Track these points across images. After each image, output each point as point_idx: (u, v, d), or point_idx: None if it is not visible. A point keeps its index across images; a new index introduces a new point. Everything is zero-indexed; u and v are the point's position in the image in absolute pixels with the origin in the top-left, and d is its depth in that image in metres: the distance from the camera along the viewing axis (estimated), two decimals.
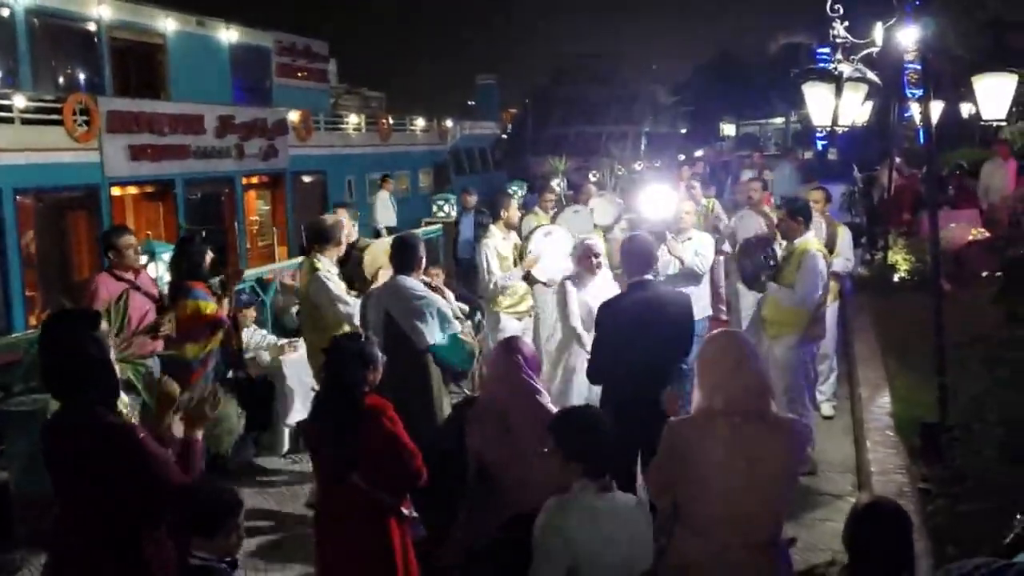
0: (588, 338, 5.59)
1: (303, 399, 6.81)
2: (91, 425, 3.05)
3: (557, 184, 16.41)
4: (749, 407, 3.03)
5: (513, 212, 7.66)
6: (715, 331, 3.40)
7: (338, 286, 5.82)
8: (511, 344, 4.02)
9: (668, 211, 7.44)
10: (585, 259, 6.04)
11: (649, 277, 4.94)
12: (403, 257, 5.25)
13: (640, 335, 4.54)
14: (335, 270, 5.99)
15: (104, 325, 3.28)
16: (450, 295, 5.66)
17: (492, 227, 7.70)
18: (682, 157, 31.92)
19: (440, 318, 5.11)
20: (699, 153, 36.30)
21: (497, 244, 7.32)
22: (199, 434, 3.28)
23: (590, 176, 24.67)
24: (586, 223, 8.19)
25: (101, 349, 3.11)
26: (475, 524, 3.73)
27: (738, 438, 2.98)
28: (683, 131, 59.12)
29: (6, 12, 13.38)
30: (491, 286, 7.18)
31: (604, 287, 6.00)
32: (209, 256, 6.38)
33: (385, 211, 17.36)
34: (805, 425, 3.43)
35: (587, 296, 5.87)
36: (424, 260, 5.37)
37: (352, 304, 5.69)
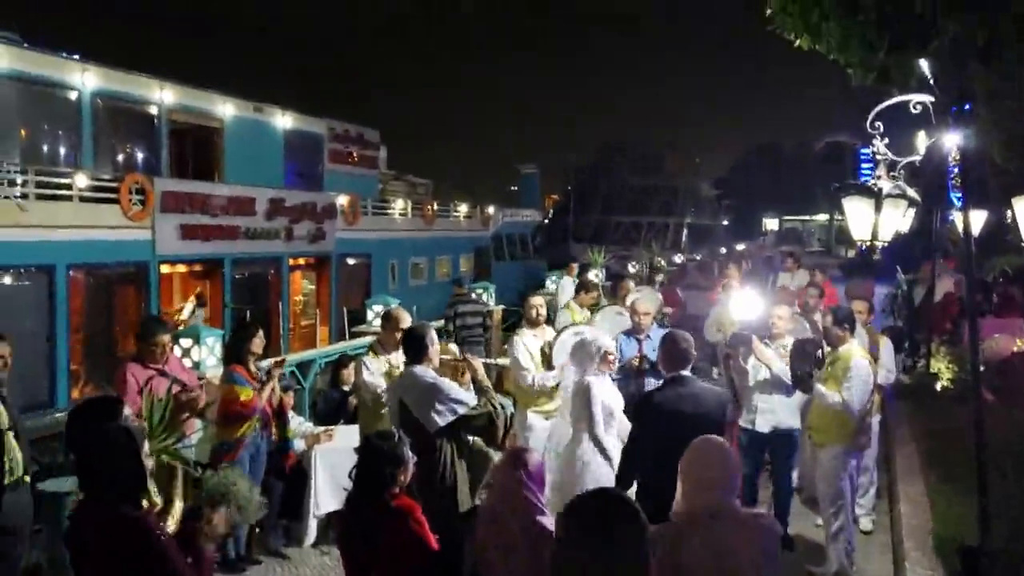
0: (607, 440, 5.60)
1: (335, 489, 6.81)
2: (111, 519, 3.08)
3: (596, 275, 16.48)
4: (721, 506, 3.25)
5: (542, 311, 7.60)
6: (698, 439, 3.52)
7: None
8: (516, 458, 3.87)
9: (756, 313, 7.34)
10: (602, 357, 5.93)
11: (686, 373, 4.99)
12: (412, 347, 5.31)
13: (678, 430, 4.54)
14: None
15: (127, 411, 3.35)
16: (478, 364, 5.56)
17: (524, 325, 7.69)
18: (724, 250, 31.95)
19: (451, 400, 5.08)
20: (741, 247, 36.29)
21: (527, 341, 7.30)
22: (211, 547, 3.31)
23: (629, 267, 24.79)
24: (625, 325, 8.14)
25: (124, 438, 3.17)
26: None
27: (709, 536, 3.19)
28: (724, 223, 59.29)
29: (74, 95, 14.07)
30: (527, 383, 7.15)
31: (612, 387, 5.98)
32: (260, 340, 6.53)
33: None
34: (774, 521, 3.54)
35: (605, 395, 5.85)
36: (433, 347, 5.38)
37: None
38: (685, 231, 51.69)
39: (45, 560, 5.42)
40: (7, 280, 12.10)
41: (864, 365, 6.11)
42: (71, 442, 3.33)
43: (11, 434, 5.31)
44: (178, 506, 3.54)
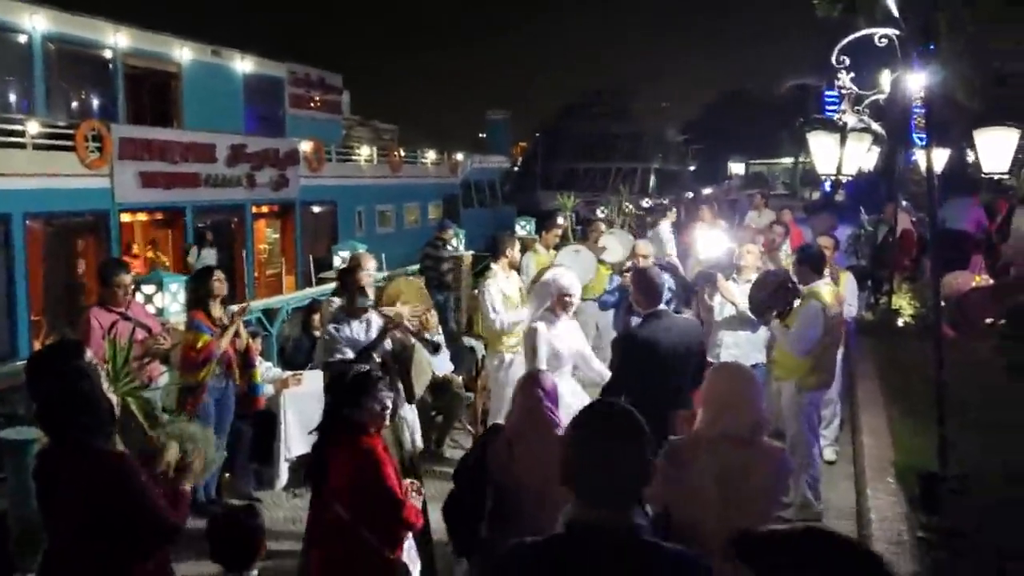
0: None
1: (304, 432, 6.81)
2: (81, 455, 3.07)
3: (564, 219, 16.47)
4: (742, 435, 3.35)
5: (515, 252, 7.66)
6: (722, 362, 3.70)
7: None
8: (534, 379, 4.15)
9: (721, 251, 7.41)
10: (558, 298, 5.94)
11: (663, 307, 5.08)
12: None
13: (657, 362, 4.83)
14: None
15: (88, 354, 3.31)
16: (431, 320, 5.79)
17: (494, 266, 7.69)
18: (690, 194, 32.04)
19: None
20: (707, 191, 36.43)
21: (501, 285, 7.30)
22: (188, 484, 3.31)
23: (598, 212, 24.79)
24: (588, 264, 8.17)
25: (85, 377, 3.15)
26: (495, 546, 3.77)
27: (727, 461, 3.29)
28: (692, 168, 59.42)
29: (23, 38, 13.61)
30: (497, 325, 7.16)
31: (570, 328, 5.97)
32: (220, 283, 6.46)
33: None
34: (787, 454, 3.69)
35: (555, 337, 5.85)
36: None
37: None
38: (653, 176, 51.68)
39: (9, 506, 5.37)
40: None
41: (814, 308, 6.08)
42: (32, 387, 3.29)
43: None
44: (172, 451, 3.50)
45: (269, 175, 18.04)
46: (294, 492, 6.79)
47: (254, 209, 18.08)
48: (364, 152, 23.41)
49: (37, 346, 11.94)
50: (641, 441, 2.33)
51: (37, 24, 13.66)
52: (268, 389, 7.17)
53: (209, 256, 15.41)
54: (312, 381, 7.02)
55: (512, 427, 4.07)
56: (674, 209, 13.86)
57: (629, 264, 8.56)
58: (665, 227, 12.20)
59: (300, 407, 6.87)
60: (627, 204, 22.96)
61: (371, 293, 6.10)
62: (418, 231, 23.64)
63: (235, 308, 6.79)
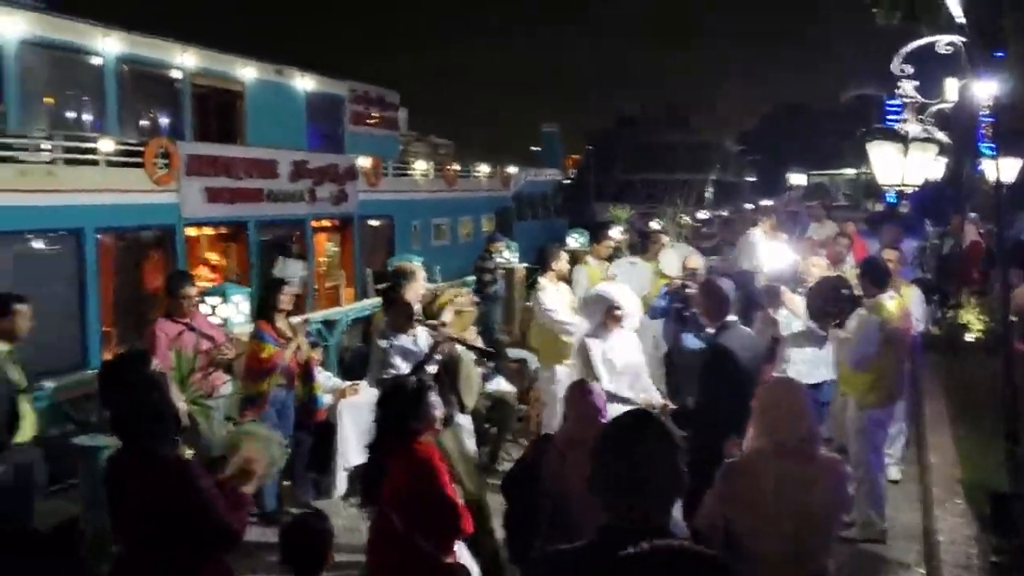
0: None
1: (361, 442, 6.91)
2: (148, 461, 3.16)
3: (621, 232, 16.41)
4: (796, 447, 3.35)
5: (562, 264, 7.69)
6: (773, 378, 3.68)
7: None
8: (586, 388, 4.19)
9: (784, 264, 7.31)
10: (607, 311, 5.93)
11: (732, 318, 5.04)
12: None
13: (732, 375, 4.76)
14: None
15: (154, 363, 3.40)
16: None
17: (542, 280, 7.71)
18: (750, 206, 31.61)
19: None
20: (767, 203, 35.91)
21: (552, 297, 7.31)
22: (249, 488, 3.38)
23: (653, 224, 24.65)
24: (644, 277, 8.14)
25: (153, 386, 3.24)
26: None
27: (786, 477, 3.29)
28: (750, 180, 58.71)
29: (97, 60, 14.10)
30: (559, 319, 7.13)
31: (625, 341, 5.94)
32: (286, 296, 6.61)
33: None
34: (849, 472, 3.64)
35: (608, 350, 5.82)
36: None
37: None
38: (710, 188, 51.17)
39: (83, 510, 5.55)
40: (39, 244, 12.24)
41: (871, 323, 5.96)
42: (104, 394, 3.39)
43: (26, 396, 5.42)
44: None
45: (329, 190, 18.36)
46: (351, 501, 6.86)
47: (314, 223, 18.39)
48: (420, 167, 23.68)
49: (107, 356, 12.32)
50: (670, 450, 2.33)
51: (110, 46, 14.14)
52: (327, 400, 7.29)
53: (295, 267, 15.92)
54: (369, 390, 7.13)
55: (564, 436, 4.09)
56: (773, 215, 13.37)
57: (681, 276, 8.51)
58: (756, 234, 11.68)
59: (357, 416, 6.95)
60: (683, 216, 22.73)
61: (417, 306, 6.22)
62: (472, 244, 23.76)
63: (297, 320, 6.94)
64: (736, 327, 5.12)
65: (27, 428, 5.37)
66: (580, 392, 4.16)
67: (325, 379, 7.67)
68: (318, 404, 7.09)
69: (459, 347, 5.86)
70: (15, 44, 12.54)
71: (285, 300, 6.63)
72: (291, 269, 15.86)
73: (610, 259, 9.98)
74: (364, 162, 19.90)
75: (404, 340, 5.88)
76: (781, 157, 61.59)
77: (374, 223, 20.71)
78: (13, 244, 11.65)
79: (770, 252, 7.73)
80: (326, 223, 19.16)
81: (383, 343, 5.83)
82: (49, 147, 12.26)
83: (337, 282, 19.10)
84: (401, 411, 3.78)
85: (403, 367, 5.65)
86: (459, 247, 23.33)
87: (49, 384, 6.33)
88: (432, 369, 5.56)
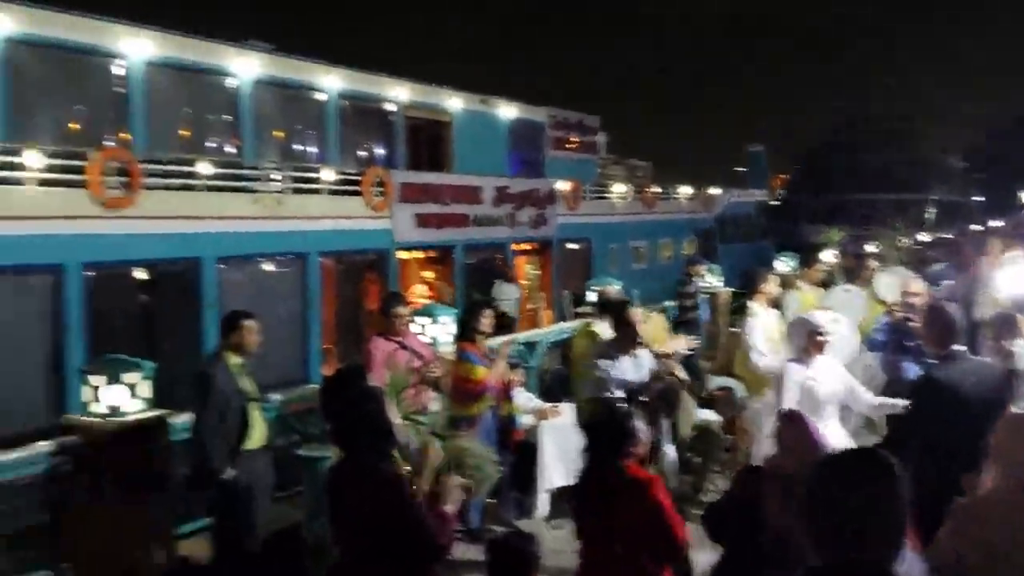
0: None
1: (562, 464, 6.94)
2: (365, 473, 3.29)
3: (833, 255, 15.58)
4: None
5: (772, 288, 7.40)
6: (1012, 413, 3.50)
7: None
8: (804, 420, 4.02)
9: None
10: (809, 337, 5.63)
11: (960, 348, 4.71)
12: None
13: (956, 410, 4.43)
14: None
15: (373, 379, 3.55)
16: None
17: (752, 304, 7.46)
18: (978, 227, 29.08)
19: None
20: (996, 224, 32.91)
21: (763, 322, 7.06)
22: (450, 507, 3.45)
23: (869, 247, 23.25)
24: (860, 304, 7.66)
25: (371, 401, 3.38)
26: None
27: None
28: (977, 199, 54.03)
29: (321, 96, 15.27)
30: (762, 366, 6.91)
31: (830, 369, 5.58)
32: (488, 320, 6.78)
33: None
34: None
35: (810, 379, 5.48)
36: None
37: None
38: (932, 208, 47.59)
39: (305, 517, 5.92)
40: (269, 267, 13.36)
41: None
42: (326, 406, 3.59)
43: (256, 404, 5.85)
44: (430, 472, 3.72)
45: (529, 214, 18.77)
46: (553, 524, 6.89)
47: (515, 246, 18.85)
48: (618, 189, 23.68)
49: (327, 372, 13.19)
50: (891, 486, 2.14)
51: (332, 83, 15.28)
52: (527, 420, 7.38)
53: (510, 290, 16.60)
54: (570, 413, 7.16)
55: (780, 468, 3.89)
56: (1004, 238, 12.23)
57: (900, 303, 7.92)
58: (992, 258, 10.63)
59: (558, 438, 6.98)
60: (902, 239, 21.28)
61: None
62: (672, 267, 23.41)
63: (500, 342, 7.08)
64: (964, 357, 4.70)
65: (257, 436, 5.81)
66: (791, 422, 3.97)
67: (526, 400, 7.77)
68: (516, 424, 7.19)
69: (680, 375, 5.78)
70: (250, 84, 13.82)
71: (486, 323, 6.79)
72: (507, 291, 16.51)
73: (822, 284, 9.48)
74: (563, 186, 20.19)
75: (626, 362, 5.85)
76: (1012, 174, 56.24)
77: (572, 246, 20.91)
78: (246, 267, 12.79)
79: (1008, 276, 7.04)
80: (526, 246, 19.58)
81: (604, 363, 5.81)
82: (279, 177, 13.37)
83: (537, 304, 19.41)
84: (611, 436, 3.74)
85: (621, 389, 5.63)
86: (658, 270, 23.05)
87: (276, 397, 6.82)
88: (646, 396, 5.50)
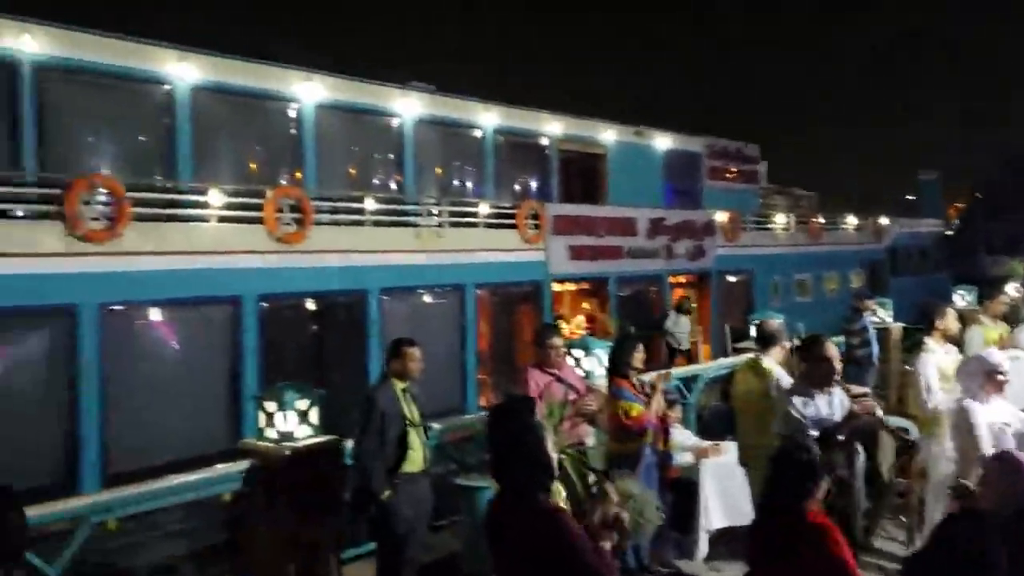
0: None
1: (724, 504, 6.70)
2: (524, 506, 3.25)
3: (1017, 288, 14.43)
4: None
5: (949, 323, 6.89)
6: None
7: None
8: (1008, 458, 3.81)
9: None
10: (987, 376, 5.22)
11: None
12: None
13: None
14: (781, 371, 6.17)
15: (540, 411, 3.52)
16: None
17: (927, 340, 6.98)
18: None
19: None
20: None
21: (939, 360, 6.59)
22: (607, 544, 3.35)
23: None
24: None
25: (532, 433, 3.34)
26: None
27: None
28: None
29: (478, 133, 15.67)
30: (930, 406, 6.47)
31: (1005, 412, 5.14)
32: (641, 355, 6.65)
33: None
34: None
35: (1002, 420, 5.05)
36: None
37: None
38: None
39: (463, 547, 5.96)
40: (428, 299, 13.76)
41: None
42: (491, 436, 3.58)
43: (419, 430, 5.95)
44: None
45: (686, 246, 18.47)
46: (713, 565, 6.64)
47: (671, 279, 18.57)
48: (780, 220, 22.91)
49: (482, 402, 13.38)
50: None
51: (490, 120, 15.66)
52: (686, 457, 7.16)
53: (685, 322, 16.62)
54: (732, 452, 6.89)
55: (994, 514, 3.58)
56: None
57: None
58: None
59: (720, 477, 6.77)
60: None
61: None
62: (838, 301, 22.36)
63: (655, 376, 6.92)
64: None
65: (417, 460, 5.91)
66: (1004, 464, 3.69)
67: (684, 437, 7.56)
68: (672, 461, 6.99)
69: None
70: (412, 123, 14.37)
71: (638, 357, 6.66)
72: (682, 324, 16.34)
73: (1006, 319, 8.78)
74: (721, 217, 19.75)
75: (820, 400, 5.61)
76: None
77: (732, 278, 20.38)
78: (407, 298, 13.21)
79: None
80: (682, 278, 19.24)
81: (797, 400, 5.57)
82: (438, 212, 13.78)
83: (694, 338, 19.00)
84: (797, 476, 3.56)
85: (815, 427, 5.38)
86: (824, 304, 22.12)
87: (435, 425, 6.94)
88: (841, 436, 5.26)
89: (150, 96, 11.34)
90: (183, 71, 11.28)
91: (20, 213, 9.57)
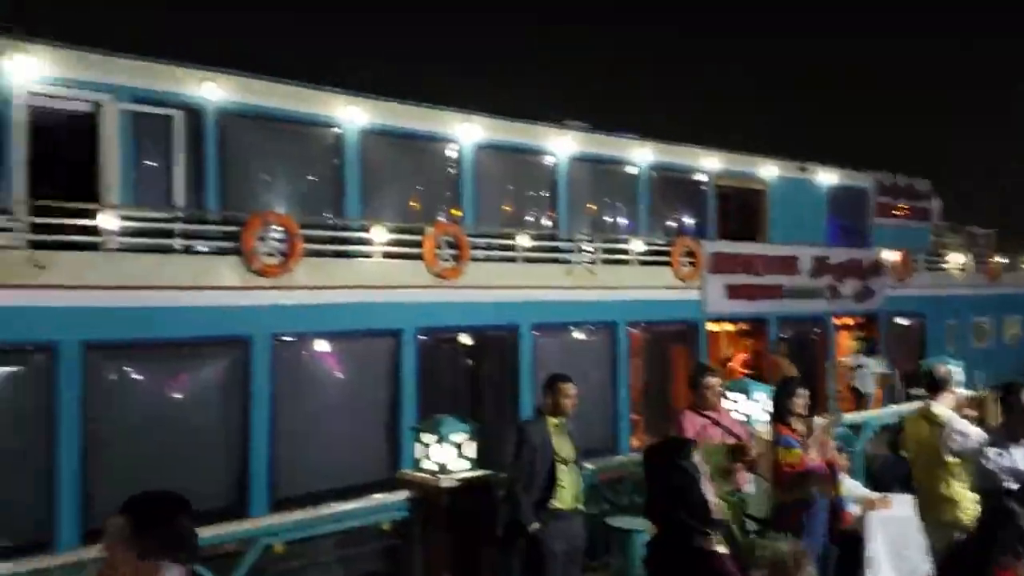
0: None
1: (895, 562, 6.25)
2: (682, 550, 3.16)
3: None
4: None
5: None
6: None
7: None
8: None
9: None
10: None
11: None
12: None
13: None
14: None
15: (696, 456, 3.42)
16: None
17: None
18: None
19: None
20: None
21: None
22: None
23: None
24: None
25: (686, 477, 3.25)
26: None
27: None
28: None
29: (632, 169, 15.62)
30: None
31: None
32: (803, 400, 6.35)
33: None
34: None
35: None
36: None
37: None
38: None
39: None
40: (580, 335, 13.73)
41: None
42: (650, 475, 3.51)
43: (571, 465, 5.88)
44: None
45: (852, 286, 17.61)
46: None
47: (836, 320, 17.73)
48: (956, 259, 21.45)
49: (634, 443, 13.15)
50: None
51: (645, 156, 15.58)
52: (855, 509, 6.75)
53: (870, 364, 16.10)
54: (905, 505, 6.45)
55: None
56: None
57: None
58: None
59: (890, 532, 6.33)
60: None
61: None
62: (1020, 348, 20.69)
63: (823, 420, 6.59)
64: None
65: (568, 496, 5.86)
66: None
67: (853, 487, 7.14)
68: (845, 506, 6.59)
69: None
70: (566, 161, 14.50)
71: (800, 403, 6.35)
72: (872, 365, 15.68)
73: None
74: (891, 256, 18.71)
75: (1018, 453, 5.23)
76: None
77: (903, 321, 19.23)
78: (559, 334, 13.24)
79: None
80: (848, 320, 18.32)
81: (993, 452, 5.23)
82: (591, 249, 13.78)
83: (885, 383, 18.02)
84: (1004, 535, 3.29)
85: (1013, 479, 5.01)
86: (1004, 350, 20.48)
87: (588, 465, 6.86)
88: None
89: (321, 138, 12.03)
90: (351, 114, 11.91)
91: (202, 248, 10.31)
